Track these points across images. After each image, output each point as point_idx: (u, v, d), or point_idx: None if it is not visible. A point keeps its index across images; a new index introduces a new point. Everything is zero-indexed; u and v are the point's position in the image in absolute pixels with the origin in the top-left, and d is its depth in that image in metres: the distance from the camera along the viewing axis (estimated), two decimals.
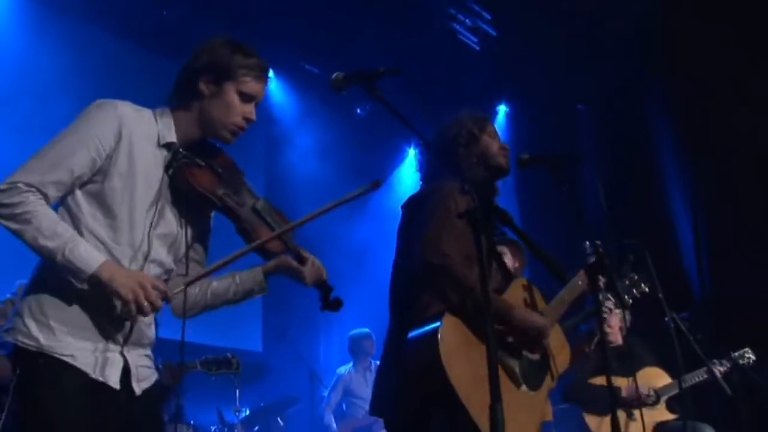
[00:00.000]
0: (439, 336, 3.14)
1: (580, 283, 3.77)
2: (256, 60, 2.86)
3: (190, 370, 5.67)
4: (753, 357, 5.97)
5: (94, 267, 2.51)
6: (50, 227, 2.51)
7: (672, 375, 5.78)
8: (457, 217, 2.74)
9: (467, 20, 9.39)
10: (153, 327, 2.86)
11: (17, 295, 4.91)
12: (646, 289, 4.56)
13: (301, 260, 2.88)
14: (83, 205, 2.66)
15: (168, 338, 3.02)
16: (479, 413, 2.94)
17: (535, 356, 3.55)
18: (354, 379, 8.58)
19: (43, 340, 2.57)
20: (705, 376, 5.72)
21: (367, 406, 8.38)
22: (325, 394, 8.60)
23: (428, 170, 3.86)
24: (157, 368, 2.95)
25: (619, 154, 9.34)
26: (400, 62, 8.77)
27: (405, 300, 3.48)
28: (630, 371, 5.45)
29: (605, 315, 5.01)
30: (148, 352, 2.85)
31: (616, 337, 5.97)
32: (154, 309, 2.59)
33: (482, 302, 2.39)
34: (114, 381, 2.65)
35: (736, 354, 5.93)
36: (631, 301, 4.56)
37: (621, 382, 5.53)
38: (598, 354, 4.92)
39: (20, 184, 2.52)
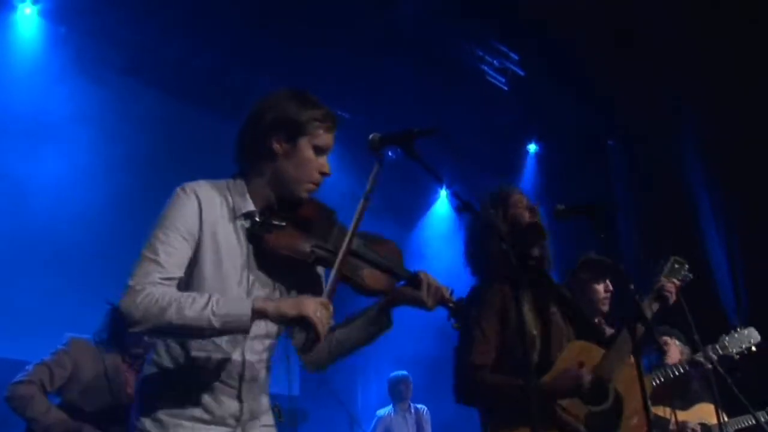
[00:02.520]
0: None
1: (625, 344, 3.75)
2: (326, 110, 2.76)
3: None
4: None
5: (249, 304, 2.45)
6: (187, 298, 2.45)
7: (728, 413, 5.65)
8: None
9: (495, 61, 9.45)
10: (266, 396, 2.82)
11: (68, 346, 4.96)
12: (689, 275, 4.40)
13: (416, 284, 2.75)
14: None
15: None
16: None
17: (603, 406, 3.58)
18: (394, 420, 8.56)
19: None
20: (752, 422, 5.60)
21: None
22: None
23: (469, 234, 3.91)
24: None
25: (650, 189, 9.33)
26: (429, 104, 8.88)
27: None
28: (688, 405, 5.42)
29: (665, 347, 4.97)
30: (267, 420, 2.80)
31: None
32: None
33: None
34: None
35: None
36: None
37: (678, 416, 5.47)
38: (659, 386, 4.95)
39: (141, 286, 2.46)
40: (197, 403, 2.59)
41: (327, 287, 2.60)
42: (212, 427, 2.61)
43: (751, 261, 8.40)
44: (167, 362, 2.63)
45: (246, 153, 2.79)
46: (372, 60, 8.66)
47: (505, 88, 9.68)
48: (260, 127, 2.72)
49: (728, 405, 5.36)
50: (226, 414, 2.63)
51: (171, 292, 2.47)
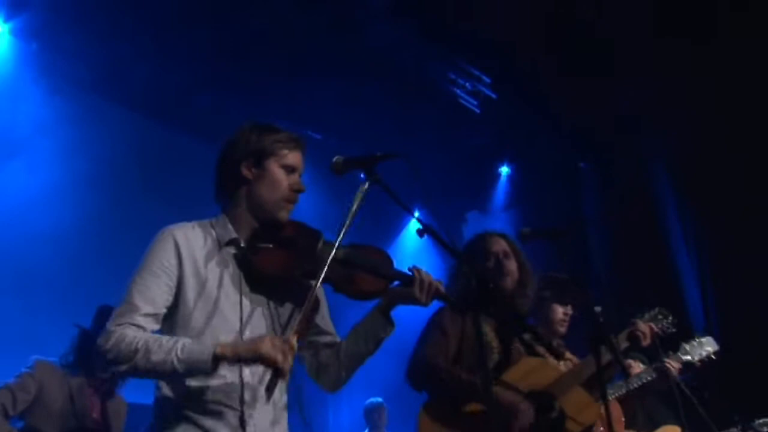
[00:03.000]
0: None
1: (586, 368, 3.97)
2: (286, 133, 2.93)
3: None
4: None
5: (210, 349, 2.51)
6: (154, 342, 2.55)
7: None
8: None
9: (467, 84, 9.47)
10: (282, 421, 2.82)
11: (33, 369, 4.87)
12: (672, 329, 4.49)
13: (409, 282, 2.81)
14: (168, 333, 2.70)
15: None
16: None
17: (546, 417, 3.76)
18: None
19: None
20: None
21: None
22: None
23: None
24: None
25: (621, 210, 9.39)
26: (402, 126, 8.89)
27: None
28: (653, 426, 5.44)
29: (630, 369, 4.98)
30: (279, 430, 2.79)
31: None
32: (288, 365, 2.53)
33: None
34: None
35: (761, 421, 5.86)
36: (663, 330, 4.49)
37: None
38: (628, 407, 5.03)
39: (113, 328, 2.59)
40: (201, 427, 2.64)
41: (299, 317, 2.64)
42: None
43: (721, 280, 8.46)
44: (167, 390, 2.70)
45: (222, 189, 2.94)
46: (344, 82, 8.66)
47: (477, 111, 9.70)
48: (229, 161, 2.90)
49: (694, 427, 5.40)
50: None
51: (141, 336, 2.58)
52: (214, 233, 2.85)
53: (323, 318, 3.03)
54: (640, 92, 8.72)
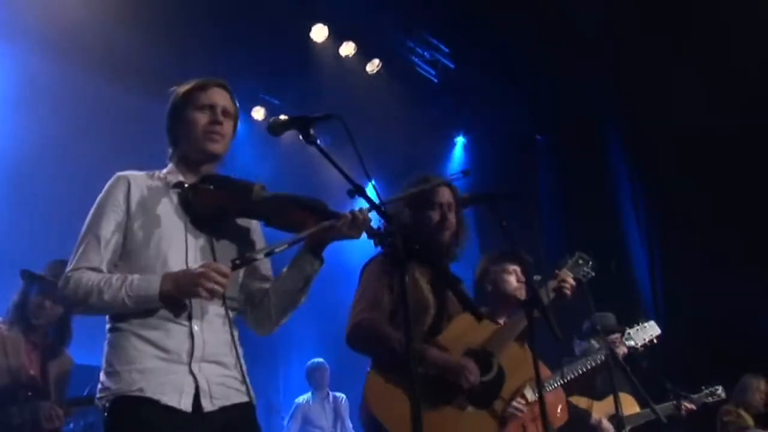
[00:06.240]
0: (366, 394, 3.66)
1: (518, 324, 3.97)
2: (195, 80, 3.10)
3: None
4: (723, 394, 6.10)
5: (157, 287, 2.70)
6: (105, 283, 2.72)
7: (641, 405, 5.81)
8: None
9: (426, 53, 9.48)
10: (233, 350, 2.90)
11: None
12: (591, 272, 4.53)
13: (338, 217, 2.84)
14: (124, 267, 2.84)
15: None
16: None
17: (486, 377, 3.77)
18: (312, 408, 8.58)
19: (113, 386, 2.71)
20: (672, 410, 5.81)
21: None
22: (285, 423, 8.58)
23: None
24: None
25: (577, 183, 9.49)
26: (358, 93, 8.89)
27: None
28: (602, 396, 5.63)
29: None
30: (231, 372, 2.87)
31: None
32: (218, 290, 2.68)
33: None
34: (186, 404, 2.71)
35: (707, 391, 6.03)
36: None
37: (594, 407, 5.61)
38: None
39: (69, 273, 2.78)
40: (148, 340, 2.74)
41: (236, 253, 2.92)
42: (166, 364, 2.73)
43: (669, 255, 8.63)
44: (118, 322, 2.79)
45: (168, 140, 3.13)
46: (301, 48, 8.64)
47: (435, 81, 9.72)
48: (167, 125, 3.11)
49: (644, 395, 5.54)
50: (179, 349, 2.75)
51: (93, 277, 2.74)
52: (163, 177, 3.03)
53: (263, 263, 3.11)
54: (596, 65, 8.80)
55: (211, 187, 2.93)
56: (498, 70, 9.15)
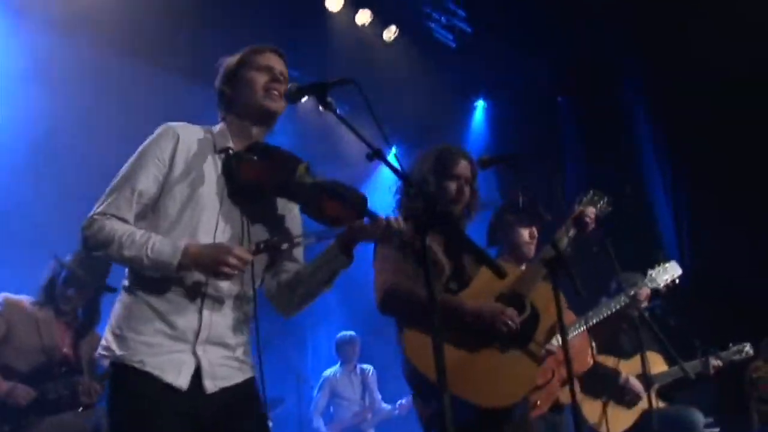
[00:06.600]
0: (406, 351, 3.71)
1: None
2: (252, 46, 3.11)
3: None
4: (751, 351, 6.02)
5: (178, 255, 2.69)
6: (128, 237, 2.71)
7: (669, 363, 5.78)
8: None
9: (443, 18, 9.40)
10: (242, 332, 2.93)
11: (1, 307, 4.93)
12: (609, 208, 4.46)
13: (375, 221, 2.84)
14: (153, 220, 2.85)
15: None
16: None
17: (521, 317, 3.79)
18: (340, 381, 8.64)
19: (117, 350, 2.75)
20: (700, 368, 5.78)
21: (354, 407, 8.51)
22: (314, 393, 8.63)
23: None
24: None
25: (599, 143, 9.42)
26: (377, 60, 8.84)
27: None
28: (630, 355, 5.61)
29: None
30: (234, 353, 2.89)
31: None
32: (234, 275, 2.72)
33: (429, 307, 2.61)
34: (183, 382, 2.73)
35: (735, 348, 5.97)
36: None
37: (622, 366, 5.59)
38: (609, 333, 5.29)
39: (95, 216, 2.77)
40: (157, 311, 2.77)
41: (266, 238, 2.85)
42: (171, 342, 2.75)
43: (695, 210, 8.58)
44: (133, 276, 2.84)
45: (220, 109, 3.13)
46: (317, 18, 8.59)
47: (453, 45, 9.64)
48: (217, 87, 3.12)
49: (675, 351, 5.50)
50: (186, 328, 2.77)
51: (118, 228, 2.74)
52: (212, 139, 3.00)
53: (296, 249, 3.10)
54: (614, 24, 8.69)
55: (255, 157, 2.89)
56: (515, 32, 9.06)
